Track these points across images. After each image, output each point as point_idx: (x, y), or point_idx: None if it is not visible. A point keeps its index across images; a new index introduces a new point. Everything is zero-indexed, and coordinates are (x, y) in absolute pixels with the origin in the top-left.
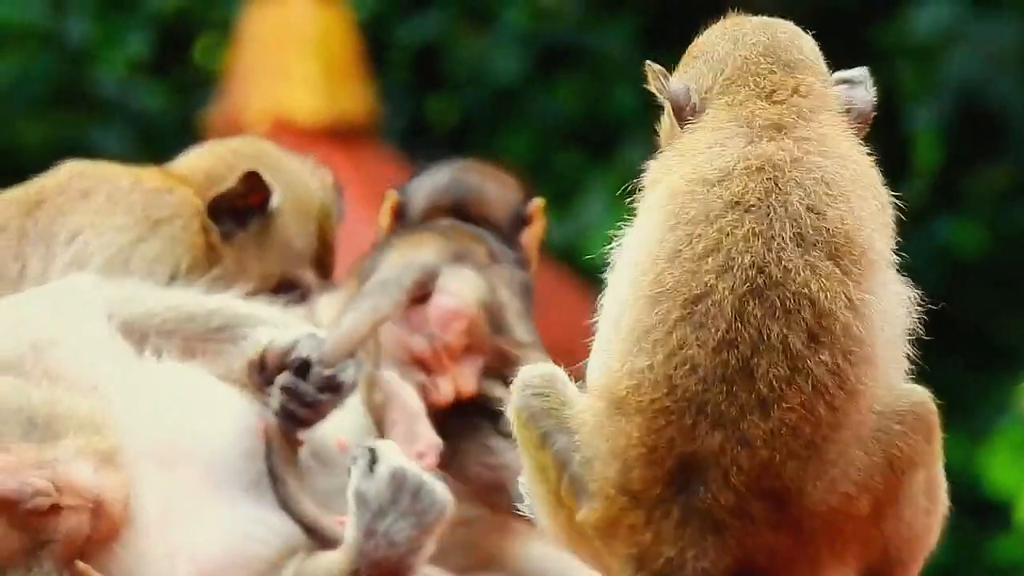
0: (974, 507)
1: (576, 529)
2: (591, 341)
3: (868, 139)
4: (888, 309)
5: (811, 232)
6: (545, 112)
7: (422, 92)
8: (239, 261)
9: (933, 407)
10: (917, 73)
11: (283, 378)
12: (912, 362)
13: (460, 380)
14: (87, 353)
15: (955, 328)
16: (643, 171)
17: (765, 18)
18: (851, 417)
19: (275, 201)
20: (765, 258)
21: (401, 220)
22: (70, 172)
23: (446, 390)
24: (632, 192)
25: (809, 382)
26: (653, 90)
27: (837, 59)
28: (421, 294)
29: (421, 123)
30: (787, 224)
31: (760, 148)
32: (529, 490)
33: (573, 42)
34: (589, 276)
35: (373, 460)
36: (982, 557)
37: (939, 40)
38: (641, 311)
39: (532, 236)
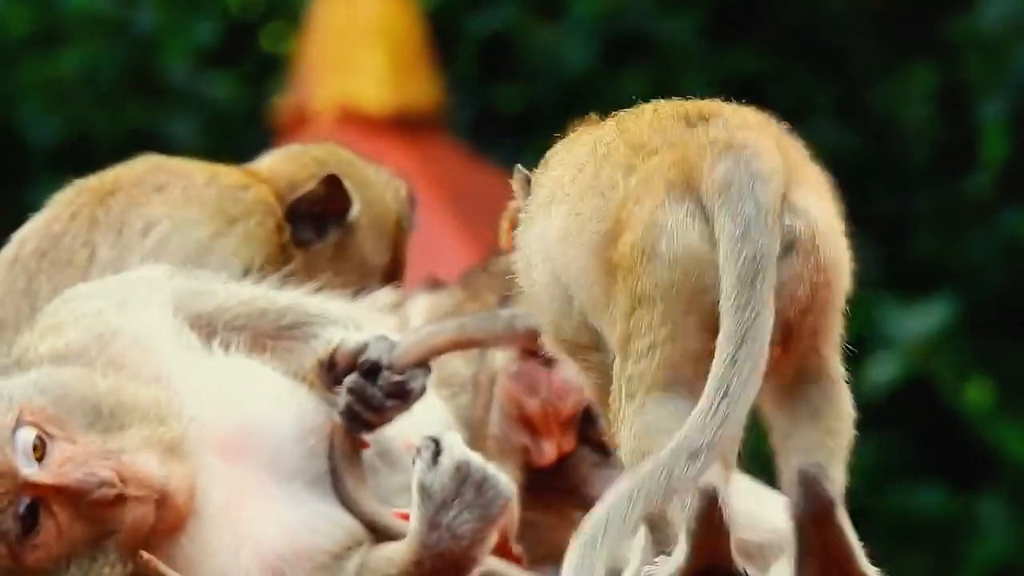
0: None
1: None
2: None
3: (937, 132)
4: None
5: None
6: (614, 102)
7: (490, 82)
8: (311, 268)
9: None
10: (986, 65)
11: (351, 380)
12: (976, 353)
13: (564, 443)
14: (152, 344)
15: (1021, 320)
16: None
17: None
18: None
19: (353, 212)
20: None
21: None
22: (146, 165)
23: (549, 454)
24: None
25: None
26: (516, 192)
27: (907, 51)
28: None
29: (489, 113)
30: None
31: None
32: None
33: (642, 31)
34: None
35: (437, 452)
36: None
37: (1008, 32)
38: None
39: None
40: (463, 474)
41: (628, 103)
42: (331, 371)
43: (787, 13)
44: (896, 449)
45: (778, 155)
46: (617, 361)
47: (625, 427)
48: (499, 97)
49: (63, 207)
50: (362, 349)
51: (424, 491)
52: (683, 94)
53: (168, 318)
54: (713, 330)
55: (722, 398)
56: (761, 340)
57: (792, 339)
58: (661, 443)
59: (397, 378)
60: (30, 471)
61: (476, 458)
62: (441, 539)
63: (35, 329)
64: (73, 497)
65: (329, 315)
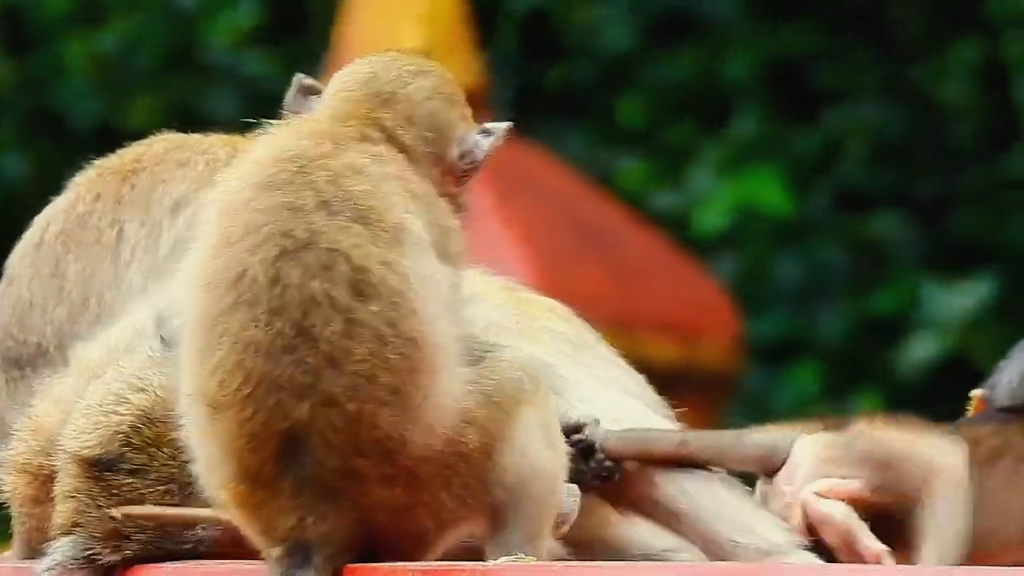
0: None
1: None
2: (699, 310)
3: (980, 110)
4: (427, 274)
5: (336, 201)
6: (657, 81)
7: (532, 61)
8: None
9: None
10: None
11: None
12: (1017, 332)
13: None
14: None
15: None
16: (754, 140)
17: (408, 56)
18: (424, 362)
19: None
20: (290, 224)
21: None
22: (167, 143)
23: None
24: (743, 161)
25: (368, 332)
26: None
27: (950, 30)
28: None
29: (530, 92)
30: (311, 194)
31: (300, 143)
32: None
33: (686, 10)
34: (698, 246)
35: None
36: None
37: None
38: (201, 302)
39: None
40: None
41: (670, 82)
42: None
43: None
44: None
45: None
46: None
47: None
48: (540, 76)
49: (85, 188)
50: (579, 427)
51: None
52: (727, 74)
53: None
54: None
55: None
56: None
57: None
58: None
59: (609, 464)
60: None
61: None
62: None
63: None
64: None
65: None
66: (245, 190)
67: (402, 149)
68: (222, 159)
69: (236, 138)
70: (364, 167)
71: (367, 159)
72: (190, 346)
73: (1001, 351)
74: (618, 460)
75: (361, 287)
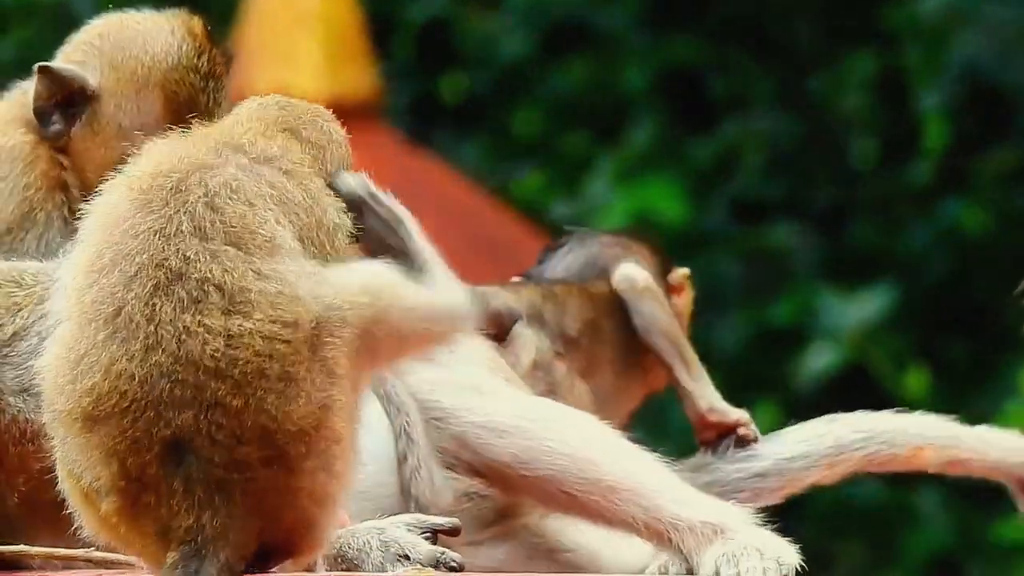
0: (978, 490)
1: (105, 522)
2: None
3: (877, 121)
4: (301, 270)
5: (209, 226)
6: (553, 91)
7: (429, 71)
8: (84, 162)
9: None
10: (926, 54)
11: None
12: (914, 342)
13: None
14: None
15: (961, 310)
16: (650, 150)
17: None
18: (302, 345)
19: (92, 82)
20: (163, 253)
21: None
22: None
23: None
24: (639, 171)
25: (253, 336)
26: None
27: (847, 40)
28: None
29: (428, 102)
30: (186, 219)
31: (179, 154)
32: (64, 490)
33: (581, 20)
34: None
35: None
36: (985, 540)
37: (948, 21)
38: (73, 333)
39: (681, 305)
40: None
41: (566, 92)
42: None
43: (727, 2)
44: None
45: None
46: None
47: None
48: (438, 85)
49: None
50: None
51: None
52: (623, 83)
53: None
54: None
55: None
56: None
57: None
58: None
59: None
60: None
61: None
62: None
63: None
64: None
65: None
66: (123, 203)
67: (301, 141)
68: None
69: None
70: (240, 185)
71: (243, 173)
72: (57, 366)
73: (898, 361)
74: None
75: (237, 307)
